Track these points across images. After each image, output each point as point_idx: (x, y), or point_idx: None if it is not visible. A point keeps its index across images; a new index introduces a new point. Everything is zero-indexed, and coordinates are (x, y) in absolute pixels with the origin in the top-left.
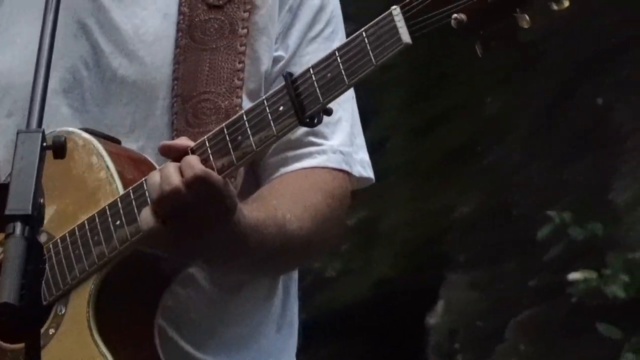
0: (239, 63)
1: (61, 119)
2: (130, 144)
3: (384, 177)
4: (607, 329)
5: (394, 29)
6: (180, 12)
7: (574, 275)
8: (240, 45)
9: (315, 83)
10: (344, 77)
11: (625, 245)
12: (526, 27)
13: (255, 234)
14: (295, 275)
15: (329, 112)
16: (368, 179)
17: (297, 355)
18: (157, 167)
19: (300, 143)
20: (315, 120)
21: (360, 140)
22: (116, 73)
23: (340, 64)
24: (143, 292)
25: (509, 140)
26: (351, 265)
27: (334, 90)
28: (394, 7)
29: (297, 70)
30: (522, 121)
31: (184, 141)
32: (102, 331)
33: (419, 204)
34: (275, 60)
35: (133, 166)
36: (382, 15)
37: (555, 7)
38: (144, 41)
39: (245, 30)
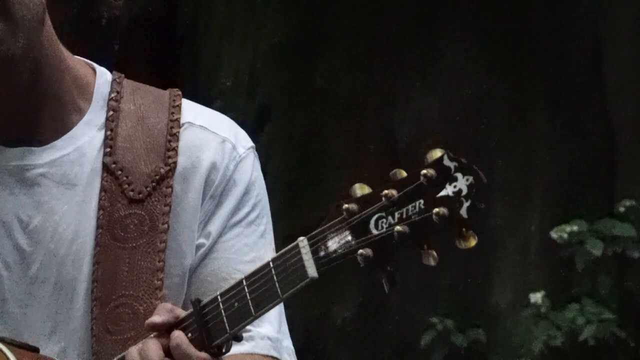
0: (159, 262)
1: None
2: (52, 346)
3: None
4: None
5: (300, 262)
6: (100, 207)
7: None
8: (160, 242)
9: (222, 312)
10: (251, 307)
11: (508, 350)
12: (433, 264)
13: None
14: None
15: (239, 339)
16: None
17: None
18: None
19: None
20: (224, 349)
21: (285, 327)
22: (37, 274)
23: (248, 294)
24: None
25: None
26: None
27: (240, 320)
28: (300, 238)
29: (219, 256)
30: None
31: (165, 316)
32: None
33: (297, 307)
34: (197, 248)
35: None
36: (289, 246)
37: (462, 245)
38: (63, 239)
39: (165, 226)
